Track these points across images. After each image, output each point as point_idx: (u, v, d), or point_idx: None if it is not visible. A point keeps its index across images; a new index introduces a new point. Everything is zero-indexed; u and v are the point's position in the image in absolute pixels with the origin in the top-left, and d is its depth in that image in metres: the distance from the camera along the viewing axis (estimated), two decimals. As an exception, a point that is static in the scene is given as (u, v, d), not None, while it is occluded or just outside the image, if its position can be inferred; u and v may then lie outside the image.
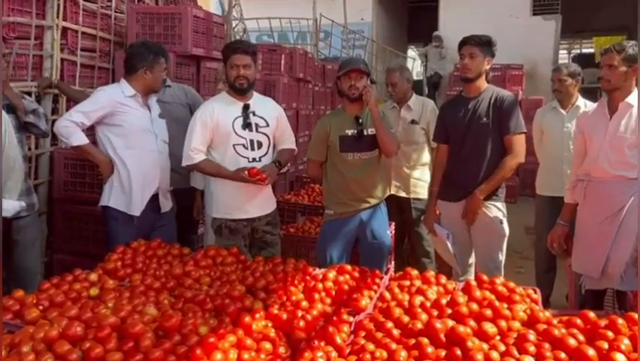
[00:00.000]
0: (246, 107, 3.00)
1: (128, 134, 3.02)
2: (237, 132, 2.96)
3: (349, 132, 3.06)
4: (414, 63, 14.86)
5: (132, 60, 3.09)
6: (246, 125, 2.98)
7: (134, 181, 3.02)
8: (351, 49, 11.86)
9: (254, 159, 2.99)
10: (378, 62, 12.59)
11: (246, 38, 7.94)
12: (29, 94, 3.60)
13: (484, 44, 2.97)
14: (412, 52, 18.16)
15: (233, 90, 3.00)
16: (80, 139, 2.98)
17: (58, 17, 3.83)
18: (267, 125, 3.04)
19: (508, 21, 11.03)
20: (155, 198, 3.15)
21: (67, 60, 4.01)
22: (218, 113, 2.95)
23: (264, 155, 3.03)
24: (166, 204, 3.23)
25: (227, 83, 3.07)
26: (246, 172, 2.85)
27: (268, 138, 3.05)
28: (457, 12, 11.61)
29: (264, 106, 3.10)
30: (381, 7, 13.79)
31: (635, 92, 2.65)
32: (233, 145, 2.96)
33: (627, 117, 2.63)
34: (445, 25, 11.82)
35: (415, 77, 4.65)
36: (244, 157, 2.97)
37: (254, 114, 3.01)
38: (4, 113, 2.70)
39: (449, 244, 3.11)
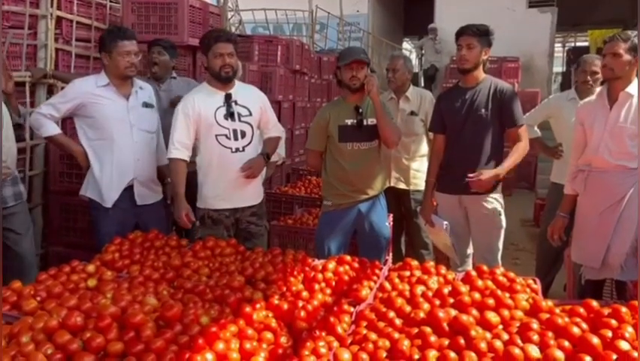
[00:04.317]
0: (227, 97, 2.94)
1: (99, 125, 2.98)
2: (220, 123, 2.91)
3: (349, 122, 3.03)
4: (410, 56, 14.84)
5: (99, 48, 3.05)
6: (229, 114, 2.93)
7: (105, 172, 2.99)
8: (347, 41, 11.84)
9: (237, 149, 2.95)
10: (374, 55, 12.56)
11: (241, 30, 7.88)
12: (23, 84, 3.57)
13: (481, 34, 2.92)
14: (406, 44, 18.15)
15: (218, 80, 2.93)
16: (50, 130, 2.97)
17: (52, 6, 3.78)
18: (250, 114, 2.99)
19: (505, 13, 11.01)
20: (132, 190, 3.08)
21: (62, 50, 3.96)
22: (200, 105, 2.90)
23: (248, 144, 2.99)
24: (146, 196, 3.14)
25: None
26: (186, 215, 2.83)
27: (252, 127, 3.00)
28: (454, 4, 11.58)
29: (247, 95, 3.04)
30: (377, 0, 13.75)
31: (635, 81, 2.63)
32: (216, 135, 2.92)
33: (627, 107, 2.62)
34: (441, 18, 11.80)
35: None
36: (227, 147, 2.93)
37: (236, 103, 2.96)
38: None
39: (447, 235, 3.10)
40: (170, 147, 2.91)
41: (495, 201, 3.04)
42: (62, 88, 3.82)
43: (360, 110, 3.03)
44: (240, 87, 3.04)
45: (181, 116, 2.90)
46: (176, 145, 2.89)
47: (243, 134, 2.97)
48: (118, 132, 2.99)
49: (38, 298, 2.06)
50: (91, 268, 2.43)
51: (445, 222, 3.10)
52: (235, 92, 2.98)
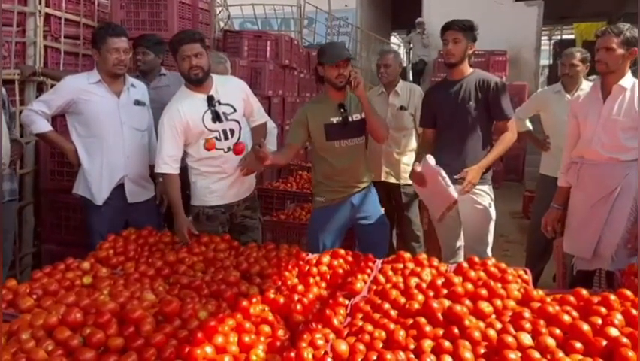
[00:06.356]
0: (210, 99, 2.87)
1: (89, 122, 2.97)
2: (209, 127, 2.85)
3: (334, 120, 3.00)
4: (398, 50, 14.84)
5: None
6: (216, 117, 2.86)
7: (95, 170, 2.99)
8: (336, 35, 11.82)
9: (229, 149, 2.92)
10: (363, 49, 12.57)
11: (229, 25, 7.85)
12: (12, 82, 3.54)
13: (467, 29, 2.95)
14: (395, 39, 18.17)
15: (190, 83, 2.84)
16: (42, 127, 2.96)
17: (40, 3, 3.75)
18: (235, 110, 2.94)
19: (492, 7, 11.03)
20: (123, 187, 3.07)
21: (51, 47, 3.93)
22: (186, 114, 2.81)
23: (237, 141, 2.97)
24: (137, 193, 3.13)
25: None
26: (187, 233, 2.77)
27: (239, 123, 2.96)
28: (441, -2, 11.58)
29: (227, 90, 2.95)
30: (364, -6, 13.72)
31: (629, 74, 2.65)
32: (206, 140, 2.87)
33: (620, 100, 2.64)
34: (429, 12, 11.79)
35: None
36: (218, 149, 2.90)
37: (220, 103, 2.89)
38: None
39: (444, 178, 2.87)
40: (158, 161, 2.83)
41: (485, 193, 3.08)
42: (52, 85, 3.81)
43: (345, 108, 2.99)
44: (218, 83, 2.93)
45: (167, 129, 2.80)
46: (166, 160, 2.81)
47: (232, 133, 2.93)
48: (108, 130, 2.98)
49: (34, 296, 2.07)
50: (86, 265, 2.44)
51: (439, 167, 2.88)
52: (215, 91, 2.90)
